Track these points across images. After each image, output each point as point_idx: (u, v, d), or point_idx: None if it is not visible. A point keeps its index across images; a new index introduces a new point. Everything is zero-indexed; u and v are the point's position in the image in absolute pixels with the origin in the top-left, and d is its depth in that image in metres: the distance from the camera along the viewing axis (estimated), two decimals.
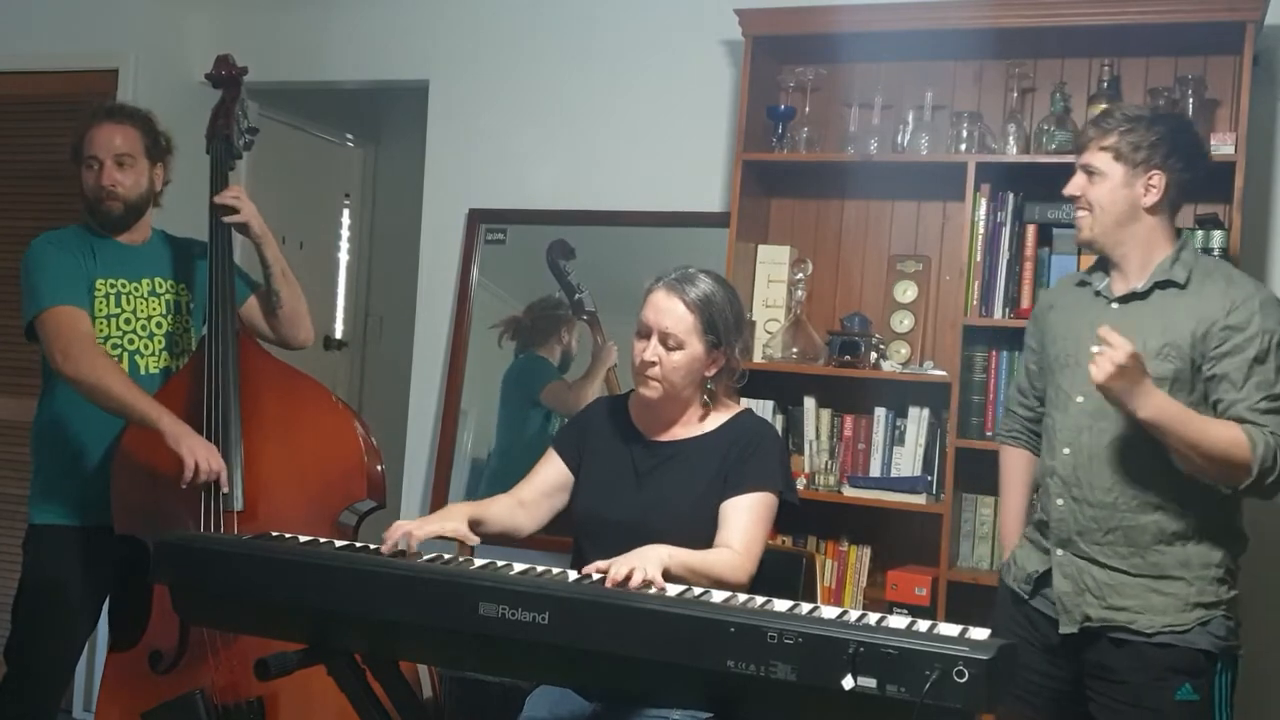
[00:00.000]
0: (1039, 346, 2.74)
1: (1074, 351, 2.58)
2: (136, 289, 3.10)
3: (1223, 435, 2.39)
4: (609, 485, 2.58)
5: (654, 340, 2.50)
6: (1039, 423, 2.75)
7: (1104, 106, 2.65)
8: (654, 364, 2.50)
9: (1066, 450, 2.57)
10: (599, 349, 4.04)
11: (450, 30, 4.33)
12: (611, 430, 2.64)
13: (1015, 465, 2.86)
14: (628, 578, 2.14)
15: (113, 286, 3.07)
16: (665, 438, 2.59)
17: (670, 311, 2.49)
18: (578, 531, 2.61)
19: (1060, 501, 2.57)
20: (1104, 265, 2.64)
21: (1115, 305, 2.57)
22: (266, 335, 3.25)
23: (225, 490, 2.87)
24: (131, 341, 3.08)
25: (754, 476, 2.50)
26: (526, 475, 2.69)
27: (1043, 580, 2.60)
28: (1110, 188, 2.54)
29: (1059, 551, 2.57)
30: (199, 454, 2.83)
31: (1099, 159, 2.55)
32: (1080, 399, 2.55)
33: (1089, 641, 2.53)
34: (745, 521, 2.46)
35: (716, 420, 2.59)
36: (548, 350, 4.14)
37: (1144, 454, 2.47)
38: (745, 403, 3.41)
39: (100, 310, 3.04)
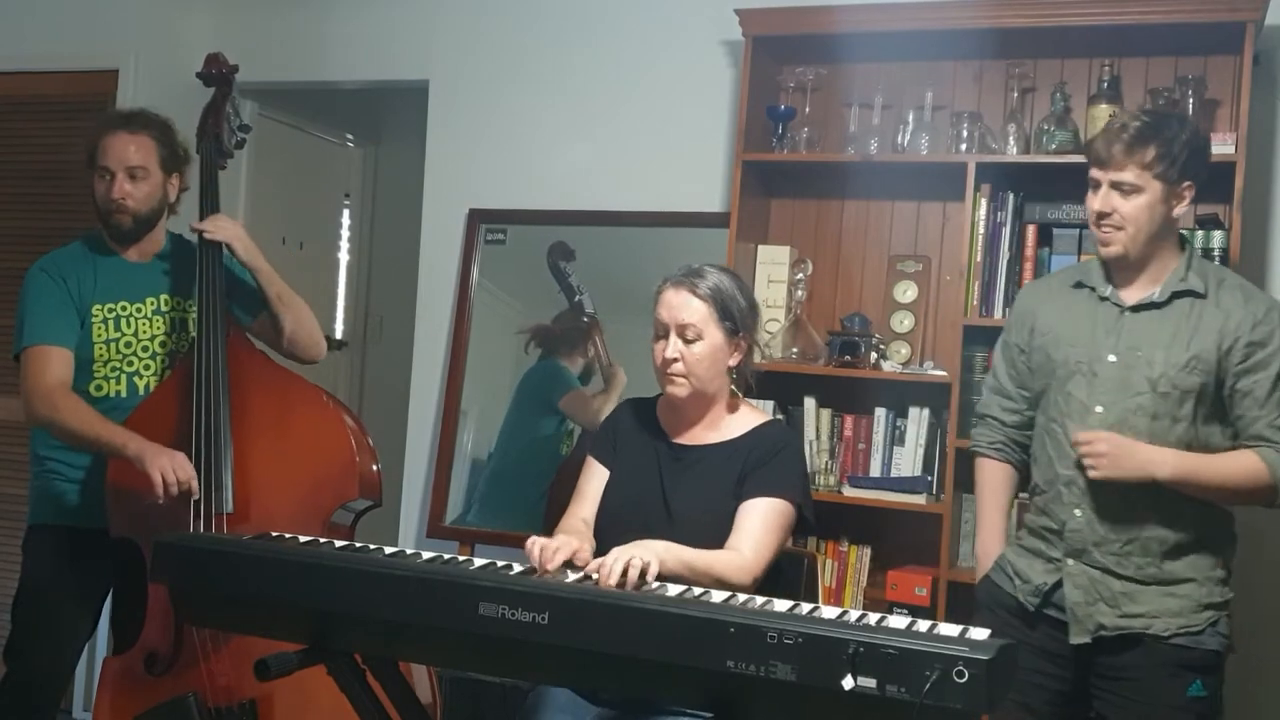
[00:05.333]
0: (1029, 347, 2.67)
1: (1087, 359, 2.54)
2: (139, 310, 3.07)
3: (1240, 470, 2.45)
4: (635, 491, 2.56)
5: (673, 337, 2.50)
6: (1023, 429, 2.71)
7: (1130, 122, 2.48)
8: (676, 360, 2.49)
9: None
10: (610, 372, 4.00)
11: (450, 30, 4.33)
12: (639, 431, 2.63)
13: (997, 481, 2.77)
14: (625, 573, 2.13)
15: (111, 311, 3.04)
16: (689, 440, 2.58)
17: (684, 305, 2.50)
18: (599, 530, 2.56)
19: (1078, 512, 2.53)
20: (1101, 267, 2.59)
21: (1128, 314, 2.53)
22: (280, 350, 3.20)
23: (196, 497, 2.83)
24: (131, 364, 3.06)
25: (771, 483, 2.48)
26: (577, 493, 2.63)
27: (1051, 590, 2.56)
28: (1148, 204, 2.46)
29: (1070, 562, 2.54)
30: (162, 465, 2.79)
31: (1138, 176, 2.45)
32: (1100, 409, 2.51)
33: (1099, 645, 2.51)
34: (755, 524, 2.45)
35: (743, 425, 2.57)
36: (570, 360, 4.10)
37: None
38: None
39: (99, 335, 3.02)
